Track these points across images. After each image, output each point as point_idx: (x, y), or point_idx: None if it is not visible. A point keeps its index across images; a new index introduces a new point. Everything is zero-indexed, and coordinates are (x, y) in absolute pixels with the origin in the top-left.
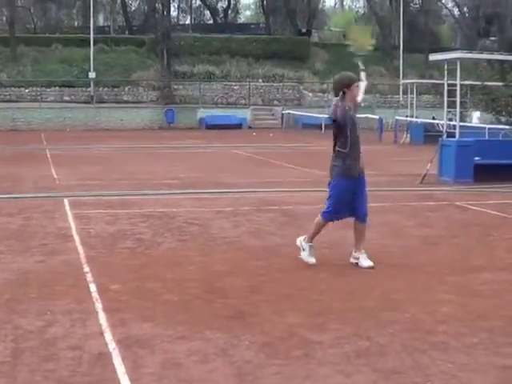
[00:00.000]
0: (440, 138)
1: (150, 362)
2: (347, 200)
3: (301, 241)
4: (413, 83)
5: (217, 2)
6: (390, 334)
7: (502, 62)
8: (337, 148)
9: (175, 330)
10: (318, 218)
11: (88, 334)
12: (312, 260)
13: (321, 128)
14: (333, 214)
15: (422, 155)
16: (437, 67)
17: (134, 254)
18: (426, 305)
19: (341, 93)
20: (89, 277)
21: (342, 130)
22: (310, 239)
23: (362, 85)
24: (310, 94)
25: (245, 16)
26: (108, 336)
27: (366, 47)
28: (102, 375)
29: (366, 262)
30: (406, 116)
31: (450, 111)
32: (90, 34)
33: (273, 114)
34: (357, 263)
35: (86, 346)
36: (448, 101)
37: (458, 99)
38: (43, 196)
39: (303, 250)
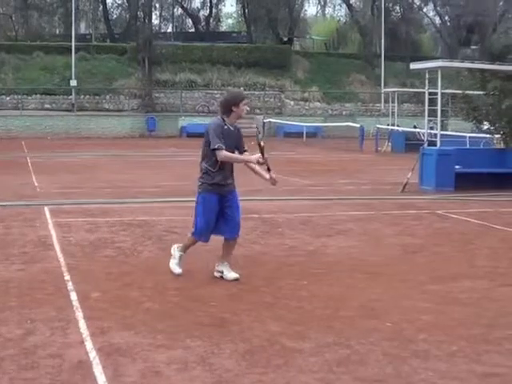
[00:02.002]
0: (421, 147)
1: (130, 370)
2: (213, 217)
3: (174, 248)
4: (394, 92)
5: (199, 11)
6: (371, 343)
7: (482, 70)
8: (204, 165)
9: (156, 339)
10: (189, 235)
11: (68, 342)
12: (178, 270)
13: (302, 136)
14: (201, 232)
15: (403, 164)
16: (418, 76)
17: (115, 263)
18: (406, 313)
19: (229, 111)
20: (69, 285)
21: (213, 152)
22: (181, 250)
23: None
24: (292, 103)
25: (227, 24)
26: (88, 344)
27: None
28: None
29: (230, 274)
30: (388, 124)
31: (431, 120)
32: (71, 41)
33: (254, 123)
34: (221, 276)
35: (67, 354)
36: (429, 109)
37: (439, 108)
38: (24, 204)
39: (173, 258)
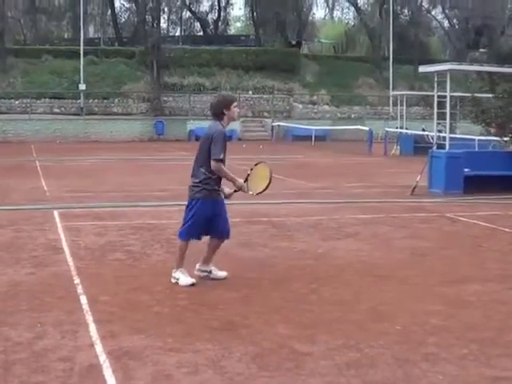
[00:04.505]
0: (430, 150)
1: (140, 373)
2: (207, 221)
3: (173, 277)
4: (403, 95)
5: (207, 14)
6: (381, 346)
7: (491, 73)
8: (203, 170)
9: (165, 342)
10: (178, 241)
11: (78, 345)
12: (191, 280)
13: (311, 140)
14: (191, 233)
15: (411, 167)
16: (426, 79)
17: (124, 266)
18: (415, 316)
19: (221, 114)
20: (79, 289)
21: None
22: (179, 265)
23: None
24: (300, 106)
25: (235, 28)
26: (98, 348)
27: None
28: None
29: (220, 272)
30: (396, 127)
31: (439, 123)
32: (80, 45)
33: (263, 126)
34: (207, 276)
35: (77, 357)
36: (438, 112)
37: (447, 111)
38: (33, 208)
39: (178, 279)
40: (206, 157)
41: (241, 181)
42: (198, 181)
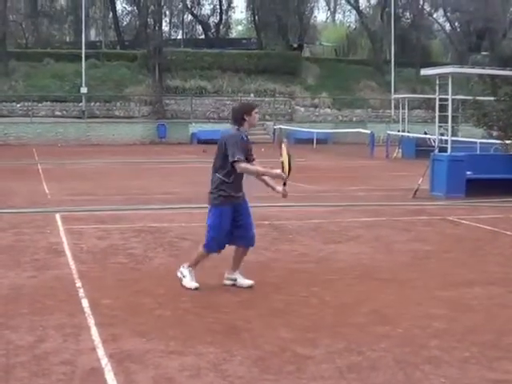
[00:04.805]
0: (432, 153)
1: (142, 377)
2: (227, 229)
3: (181, 271)
4: (404, 98)
5: (208, 17)
6: (382, 349)
7: (493, 76)
8: (219, 176)
9: (167, 345)
10: (201, 249)
11: (80, 349)
12: (194, 284)
13: (312, 143)
14: (212, 245)
15: (413, 170)
16: (428, 82)
17: (126, 269)
18: (417, 319)
19: (241, 120)
20: (81, 292)
21: (228, 163)
22: (191, 265)
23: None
24: (302, 109)
25: (236, 31)
26: (100, 351)
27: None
28: None
29: (245, 281)
30: (398, 131)
31: (441, 126)
32: (81, 48)
33: (264, 129)
34: (234, 284)
35: (78, 361)
36: (440, 115)
37: (449, 114)
38: (35, 211)
39: (184, 276)
40: (220, 162)
41: (276, 170)
42: (213, 187)
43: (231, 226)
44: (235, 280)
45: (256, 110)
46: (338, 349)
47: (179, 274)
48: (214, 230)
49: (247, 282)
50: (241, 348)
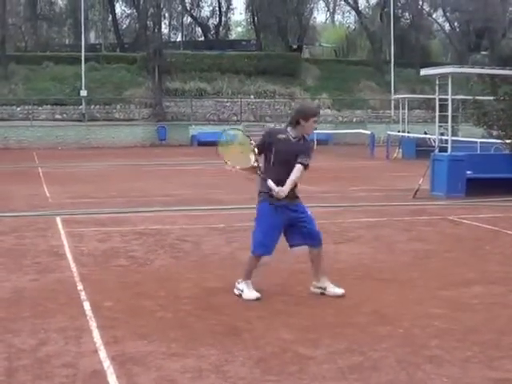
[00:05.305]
0: (432, 153)
1: (144, 379)
2: (276, 228)
3: (236, 287)
4: (404, 98)
5: (208, 19)
6: (384, 349)
7: (493, 76)
8: (258, 172)
9: (169, 347)
10: (250, 256)
11: (82, 351)
12: (255, 294)
13: (313, 143)
14: (260, 245)
15: (414, 170)
16: (428, 82)
17: (127, 272)
18: (418, 319)
19: (296, 122)
20: (82, 295)
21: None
22: (245, 277)
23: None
24: None
25: (236, 33)
26: (102, 353)
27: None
28: None
29: (335, 290)
30: (398, 131)
31: (441, 126)
32: (81, 51)
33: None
34: (322, 293)
35: (80, 363)
36: (440, 115)
37: (449, 114)
38: (36, 214)
39: (242, 291)
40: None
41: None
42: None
43: (278, 224)
44: (324, 289)
45: (314, 119)
46: (340, 349)
47: (236, 292)
48: (259, 227)
49: (338, 291)
50: (242, 349)
